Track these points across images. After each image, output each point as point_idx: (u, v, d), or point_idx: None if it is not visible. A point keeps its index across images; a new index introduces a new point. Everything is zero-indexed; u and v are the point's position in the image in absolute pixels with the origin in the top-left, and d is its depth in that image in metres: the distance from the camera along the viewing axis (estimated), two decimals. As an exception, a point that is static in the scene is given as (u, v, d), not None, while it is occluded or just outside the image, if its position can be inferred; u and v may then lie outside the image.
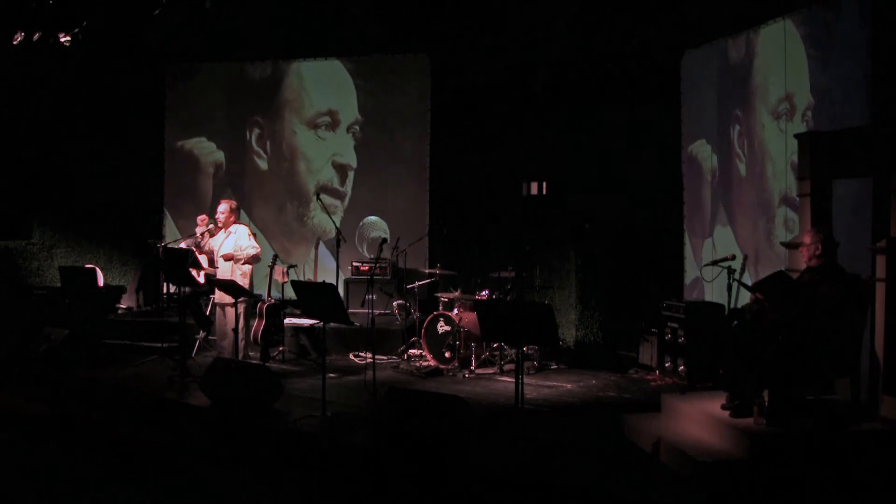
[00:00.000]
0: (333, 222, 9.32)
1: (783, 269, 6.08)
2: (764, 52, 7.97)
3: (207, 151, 11.17)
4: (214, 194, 10.97)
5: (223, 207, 8.22)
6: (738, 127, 8.38)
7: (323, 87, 10.89)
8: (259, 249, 8.11)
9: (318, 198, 10.30)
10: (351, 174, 10.76)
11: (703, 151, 8.93)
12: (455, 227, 9.83)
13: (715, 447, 5.04)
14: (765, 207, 7.89)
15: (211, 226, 8.59)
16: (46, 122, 10.81)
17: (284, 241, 10.88)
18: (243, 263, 7.99)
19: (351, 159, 10.75)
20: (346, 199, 10.76)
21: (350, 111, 10.78)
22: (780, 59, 7.68)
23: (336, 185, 10.77)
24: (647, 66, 9.29)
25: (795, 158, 7.05)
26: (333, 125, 10.83)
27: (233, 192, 10.86)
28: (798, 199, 6.17)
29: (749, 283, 6.82)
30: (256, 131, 11.06)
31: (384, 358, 8.67)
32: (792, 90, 7.50)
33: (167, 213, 11.27)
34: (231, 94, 11.08)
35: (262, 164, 11.07)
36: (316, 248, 10.67)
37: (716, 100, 8.77)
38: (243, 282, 7.94)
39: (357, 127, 10.75)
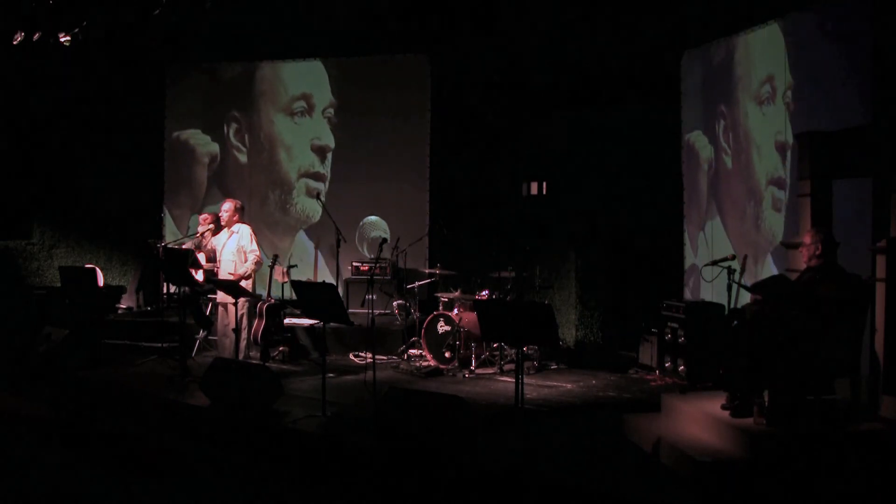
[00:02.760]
0: (333, 222, 9.32)
1: (784, 270, 6.09)
2: (747, 45, 8.13)
3: (203, 143, 11.20)
4: (208, 185, 11.06)
5: (227, 206, 8.23)
6: (722, 122, 8.52)
7: (299, 76, 10.95)
8: (258, 253, 8.13)
9: (317, 197, 10.37)
10: (329, 155, 10.79)
11: (699, 141, 9.04)
12: (455, 227, 9.83)
13: (715, 447, 5.04)
14: (752, 192, 8.02)
15: (212, 226, 8.61)
16: (46, 122, 10.81)
17: (269, 234, 10.85)
18: (250, 275, 8.04)
19: (329, 140, 10.78)
20: (327, 182, 10.78)
21: (324, 94, 10.81)
22: (761, 49, 7.86)
23: (317, 167, 10.81)
24: (647, 66, 9.29)
25: (780, 138, 7.30)
26: (309, 110, 10.86)
27: (218, 189, 10.91)
28: (798, 198, 6.18)
29: (748, 283, 6.82)
30: (234, 126, 11.10)
31: (384, 358, 8.67)
32: (772, 72, 7.65)
33: (164, 205, 11.33)
34: (226, 95, 11.10)
35: (242, 158, 11.10)
36: (316, 248, 10.69)
37: (705, 98, 8.90)
38: (246, 283, 7.96)
39: (332, 110, 10.78)
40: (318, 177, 10.79)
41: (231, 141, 11.13)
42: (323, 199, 10.40)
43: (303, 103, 10.86)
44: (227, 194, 10.36)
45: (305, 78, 10.90)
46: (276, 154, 10.98)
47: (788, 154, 7.39)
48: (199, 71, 11.16)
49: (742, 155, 8.18)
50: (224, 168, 11.16)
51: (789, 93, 7.41)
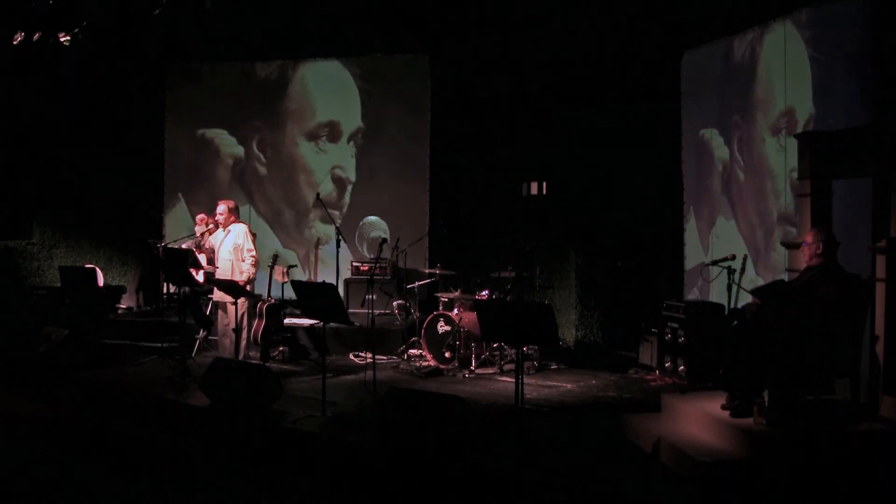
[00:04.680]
0: (333, 222, 9.32)
1: (784, 270, 6.08)
2: (767, 57, 7.94)
3: (228, 144, 11.24)
4: (230, 185, 11.14)
5: (221, 208, 8.27)
6: (737, 133, 8.40)
7: (326, 96, 10.93)
8: (254, 253, 8.15)
9: (317, 197, 10.37)
10: (350, 187, 10.80)
11: (715, 139, 8.87)
12: (455, 227, 9.83)
13: (715, 447, 5.04)
14: (763, 218, 7.93)
15: (211, 226, 8.60)
16: (46, 122, 10.82)
17: (285, 238, 10.99)
18: (253, 277, 8.08)
19: (350, 173, 10.81)
20: (345, 209, 10.81)
21: (353, 120, 10.82)
22: (782, 68, 7.65)
23: (335, 197, 10.82)
24: (647, 67, 9.29)
25: (795, 176, 7.09)
26: (334, 136, 10.87)
27: (241, 189, 11.02)
28: (798, 198, 6.17)
29: (748, 282, 6.82)
30: (257, 137, 11.12)
31: (384, 358, 8.67)
32: (793, 104, 7.47)
33: (181, 196, 11.31)
34: (229, 96, 11.11)
35: (262, 170, 11.13)
36: (316, 247, 10.68)
37: (719, 100, 8.75)
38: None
39: (359, 135, 10.79)
40: (334, 206, 10.74)
41: (254, 151, 11.15)
42: (321, 197, 10.39)
43: (328, 130, 10.88)
44: (247, 195, 10.63)
45: (335, 101, 10.85)
46: (296, 176, 11.02)
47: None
48: (202, 73, 11.15)
49: (756, 177, 8.07)
50: (246, 172, 11.20)
51: (811, 125, 7.18)
